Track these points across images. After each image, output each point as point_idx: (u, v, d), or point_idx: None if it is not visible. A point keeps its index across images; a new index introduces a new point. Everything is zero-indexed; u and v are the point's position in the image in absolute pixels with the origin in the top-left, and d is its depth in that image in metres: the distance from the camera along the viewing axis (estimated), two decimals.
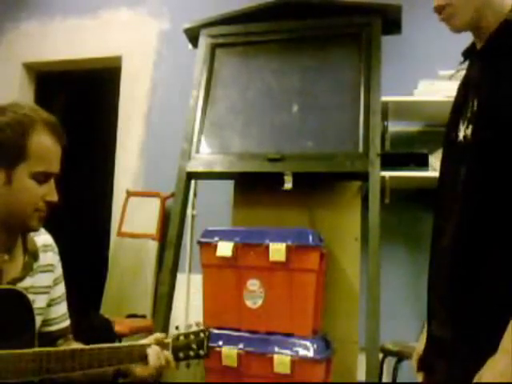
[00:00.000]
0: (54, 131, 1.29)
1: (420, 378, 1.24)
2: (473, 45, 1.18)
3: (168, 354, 1.38)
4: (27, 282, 1.32)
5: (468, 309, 1.04)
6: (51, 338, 1.41)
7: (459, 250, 1.07)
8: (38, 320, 1.33)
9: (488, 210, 1.03)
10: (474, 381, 0.96)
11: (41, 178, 1.27)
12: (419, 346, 1.27)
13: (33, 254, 1.36)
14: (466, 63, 1.22)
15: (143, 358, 1.34)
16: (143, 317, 3.22)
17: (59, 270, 1.45)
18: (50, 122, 1.29)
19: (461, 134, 1.11)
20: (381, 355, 2.51)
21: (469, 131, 1.08)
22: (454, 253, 1.08)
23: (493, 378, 0.94)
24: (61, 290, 1.45)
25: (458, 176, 1.09)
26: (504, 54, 1.04)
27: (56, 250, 1.45)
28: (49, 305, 1.40)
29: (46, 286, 1.38)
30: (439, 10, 1.14)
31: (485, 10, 1.10)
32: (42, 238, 1.41)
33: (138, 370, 1.35)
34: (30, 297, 1.28)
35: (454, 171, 1.12)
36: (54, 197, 1.30)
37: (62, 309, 1.45)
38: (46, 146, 1.27)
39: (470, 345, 1.01)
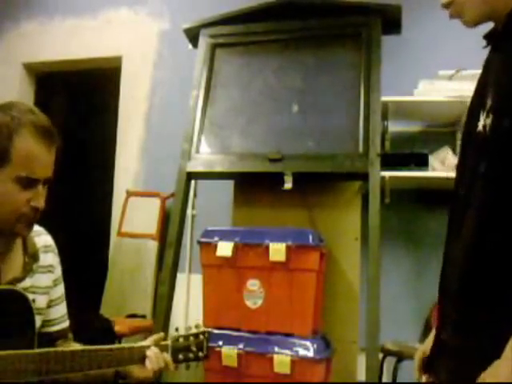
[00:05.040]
0: (44, 135, 1.24)
1: (422, 378, 1.23)
2: (495, 28, 1.10)
3: (167, 356, 1.37)
4: (27, 282, 1.32)
5: (479, 312, 1.00)
6: (50, 339, 1.41)
7: (475, 254, 1.01)
8: (38, 320, 1.33)
9: (509, 207, 0.95)
10: None
11: (24, 182, 1.22)
12: (425, 346, 1.24)
13: (33, 255, 1.35)
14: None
15: (143, 360, 1.34)
16: (143, 317, 3.22)
17: (59, 271, 1.44)
18: (40, 126, 1.24)
19: (480, 124, 1.02)
20: (381, 355, 2.51)
21: (489, 121, 1.00)
22: (469, 254, 1.02)
23: None
24: (60, 290, 1.45)
25: (478, 170, 1.01)
26: None
27: (56, 250, 1.44)
28: (48, 306, 1.40)
29: (45, 286, 1.38)
30: (447, 6, 1.09)
31: (496, 1, 1.03)
32: (43, 239, 1.41)
33: (137, 371, 1.35)
34: (30, 296, 1.27)
35: (473, 164, 1.04)
36: (39, 202, 1.25)
37: (61, 310, 1.45)
38: (31, 151, 1.22)
39: (478, 348, 0.98)
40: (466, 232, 1.03)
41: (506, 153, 0.96)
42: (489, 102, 1.01)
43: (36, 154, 1.23)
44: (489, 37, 1.11)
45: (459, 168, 1.13)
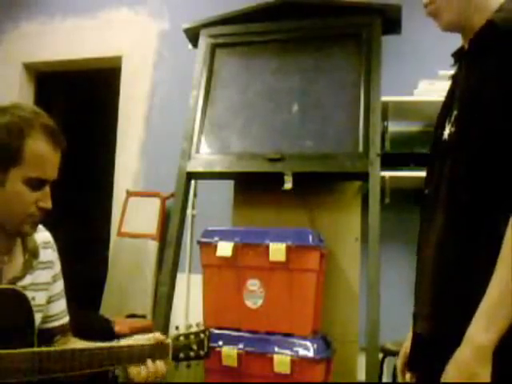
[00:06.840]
0: (53, 137, 1.26)
1: (404, 377, 1.26)
2: (462, 47, 1.19)
3: (163, 366, 1.35)
4: (27, 280, 1.32)
5: (450, 306, 1.05)
6: (50, 335, 1.42)
7: (442, 250, 1.07)
8: (38, 317, 1.34)
9: (472, 210, 1.03)
10: (444, 374, 0.99)
11: (34, 183, 1.24)
12: (405, 348, 1.28)
13: (33, 253, 1.36)
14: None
15: (142, 359, 1.34)
16: (143, 317, 3.22)
17: (58, 267, 1.45)
18: (49, 128, 1.26)
19: (446, 133, 1.12)
20: (381, 355, 2.51)
21: (453, 129, 1.09)
22: (437, 253, 1.08)
23: (454, 369, 0.97)
24: (60, 286, 1.46)
25: (443, 175, 1.10)
26: (486, 55, 1.05)
27: (55, 247, 1.45)
28: (48, 301, 1.40)
29: (45, 282, 1.38)
30: (426, 5, 1.18)
31: (470, 12, 1.11)
32: (42, 235, 1.42)
33: (136, 371, 1.34)
34: (30, 294, 1.28)
35: (438, 170, 1.13)
36: (47, 203, 1.27)
37: (60, 305, 1.46)
38: (41, 152, 1.24)
39: (452, 343, 1.00)
40: (435, 232, 1.10)
41: (466, 160, 1.05)
42: (454, 114, 1.11)
43: (45, 155, 1.25)
44: (455, 55, 1.22)
45: (428, 172, 1.22)
